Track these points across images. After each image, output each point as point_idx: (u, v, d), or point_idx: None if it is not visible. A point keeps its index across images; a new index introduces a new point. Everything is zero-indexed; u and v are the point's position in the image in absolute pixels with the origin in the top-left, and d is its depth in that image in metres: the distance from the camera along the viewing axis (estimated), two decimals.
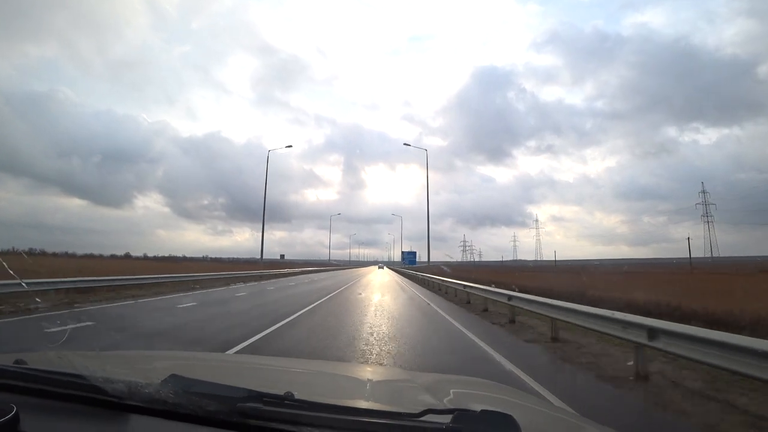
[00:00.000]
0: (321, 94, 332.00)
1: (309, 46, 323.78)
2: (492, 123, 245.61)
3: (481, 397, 1.54)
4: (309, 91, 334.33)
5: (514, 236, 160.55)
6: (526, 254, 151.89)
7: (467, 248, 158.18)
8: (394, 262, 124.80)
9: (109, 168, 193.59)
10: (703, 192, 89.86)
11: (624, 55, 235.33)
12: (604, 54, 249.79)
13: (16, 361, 1.06)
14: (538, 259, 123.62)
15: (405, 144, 48.40)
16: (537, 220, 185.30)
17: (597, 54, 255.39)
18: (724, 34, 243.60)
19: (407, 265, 56.98)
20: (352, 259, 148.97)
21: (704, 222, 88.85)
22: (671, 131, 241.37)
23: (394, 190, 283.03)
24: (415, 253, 58.30)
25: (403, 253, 60.91)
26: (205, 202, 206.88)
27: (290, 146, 35.24)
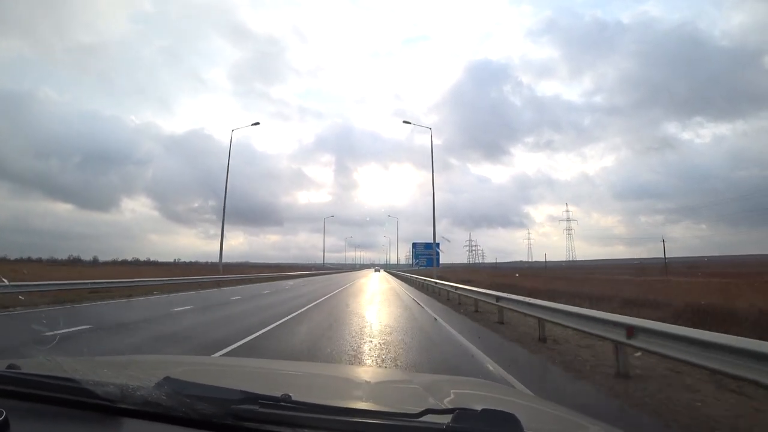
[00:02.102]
0: (309, 90, 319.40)
1: (307, 56, 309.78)
2: (487, 120, 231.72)
3: (481, 398, 1.53)
4: (298, 88, 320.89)
5: (528, 234, 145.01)
6: (522, 255, 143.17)
7: (473, 249, 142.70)
8: (392, 265, 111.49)
9: (92, 170, 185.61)
10: None
11: (624, 45, 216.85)
12: (603, 43, 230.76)
13: (9, 366, 1.03)
14: (571, 259, 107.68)
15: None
16: (568, 210, 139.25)
17: (595, 44, 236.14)
18: (732, 20, 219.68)
19: (424, 268, 34.92)
20: (348, 261, 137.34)
21: None
22: (671, 127, 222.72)
23: (388, 191, 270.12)
24: (437, 245, 32.02)
25: (415, 246, 35.91)
26: (195, 204, 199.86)
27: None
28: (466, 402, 1.30)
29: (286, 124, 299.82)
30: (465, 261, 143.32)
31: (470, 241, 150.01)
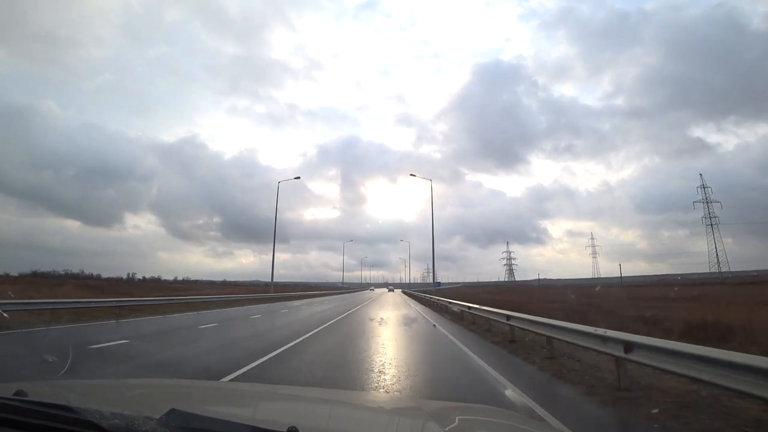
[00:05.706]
0: (316, 102, 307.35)
1: (307, 61, 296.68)
2: (500, 125, 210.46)
3: (486, 424, 1.53)
4: (302, 99, 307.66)
5: (593, 242, 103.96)
6: (540, 273, 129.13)
7: (510, 264, 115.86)
8: (409, 284, 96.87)
9: (90, 185, 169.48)
10: None
11: (648, 35, 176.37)
12: (625, 35, 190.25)
13: (17, 393, 1.02)
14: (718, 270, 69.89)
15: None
16: (707, 195, 78.51)
17: (616, 36, 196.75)
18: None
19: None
20: (358, 281, 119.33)
21: None
22: (698, 131, 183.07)
23: (397, 206, 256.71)
24: None
25: None
26: (200, 221, 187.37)
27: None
28: (471, 428, 1.39)
29: (292, 136, 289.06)
30: (495, 279, 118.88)
31: (508, 252, 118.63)
